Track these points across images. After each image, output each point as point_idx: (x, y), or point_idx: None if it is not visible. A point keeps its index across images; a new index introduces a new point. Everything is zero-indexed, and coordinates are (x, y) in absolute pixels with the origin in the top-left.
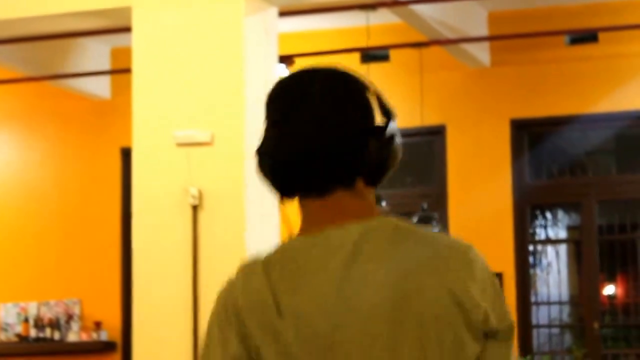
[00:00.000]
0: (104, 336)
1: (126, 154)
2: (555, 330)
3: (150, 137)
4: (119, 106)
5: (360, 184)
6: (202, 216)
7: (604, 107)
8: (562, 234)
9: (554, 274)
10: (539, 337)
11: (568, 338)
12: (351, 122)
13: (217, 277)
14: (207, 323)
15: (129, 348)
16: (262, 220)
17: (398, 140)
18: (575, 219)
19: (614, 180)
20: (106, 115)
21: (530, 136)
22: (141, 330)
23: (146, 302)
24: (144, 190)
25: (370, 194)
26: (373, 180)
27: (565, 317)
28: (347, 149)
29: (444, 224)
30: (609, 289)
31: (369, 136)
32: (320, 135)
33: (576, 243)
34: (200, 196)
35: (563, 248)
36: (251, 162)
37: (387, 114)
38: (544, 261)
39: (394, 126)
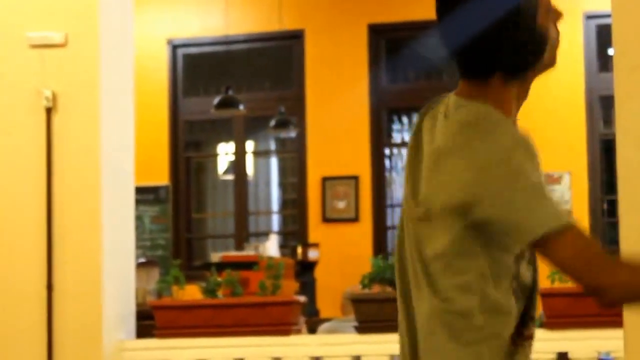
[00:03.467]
0: None
1: None
2: None
3: (2, 39)
4: None
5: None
6: (56, 119)
7: None
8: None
9: None
10: (393, 239)
11: None
12: None
13: (71, 179)
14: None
15: None
16: (117, 122)
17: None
18: None
19: None
20: None
21: (387, 41)
22: None
23: None
24: None
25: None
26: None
27: None
28: None
29: (301, 127)
30: None
31: None
32: None
33: None
34: (54, 98)
35: None
36: (106, 63)
37: None
38: (400, 164)
39: None
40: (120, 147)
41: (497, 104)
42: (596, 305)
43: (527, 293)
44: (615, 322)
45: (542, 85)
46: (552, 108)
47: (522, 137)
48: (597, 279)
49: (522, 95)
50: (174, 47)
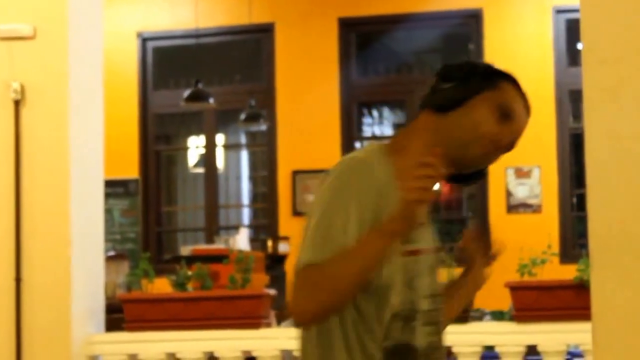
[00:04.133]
0: None
1: None
2: None
3: None
4: None
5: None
6: (25, 111)
7: (432, 6)
8: (388, 131)
9: None
10: None
11: None
12: None
13: (40, 172)
14: None
15: None
16: (87, 115)
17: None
18: (400, 116)
19: None
20: None
21: (358, 35)
22: None
23: None
24: None
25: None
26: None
27: None
28: None
29: (272, 121)
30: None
31: None
32: None
33: None
34: (23, 91)
35: None
36: (75, 56)
37: None
38: None
39: None
40: (90, 140)
41: None
42: (565, 299)
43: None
44: (584, 315)
45: None
46: None
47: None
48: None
49: None
50: (144, 40)
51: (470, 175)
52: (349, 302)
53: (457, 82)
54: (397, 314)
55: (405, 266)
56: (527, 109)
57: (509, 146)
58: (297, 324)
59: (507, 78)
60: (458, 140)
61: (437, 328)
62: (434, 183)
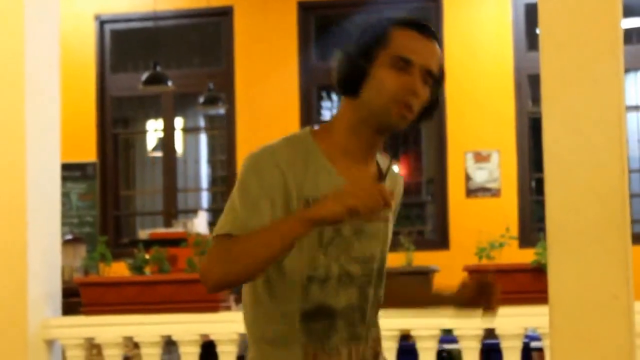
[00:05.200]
0: None
1: None
2: None
3: None
4: None
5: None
6: None
7: None
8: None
9: None
10: None
11: None
12: None
13: None
14: None
15: None
16: (43, 98)
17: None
18: None
19: None
20: None
21: (317, 18)
22: None
23: None
24: None
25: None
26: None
27: None
28: None
29: (231, 104)
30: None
31: None
32: None
33: None
34: None
35: None
36: (31, 39)
37: None
38: None
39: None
40: (46, 123)
41: None
42: (523, 282)
43: None
44: (542, 298)
45: (471, 64)
46: (481, 87)
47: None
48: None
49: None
50: (102, 23)
51: (423, 114)
52: (258, 275)
53: (351, 61)
54: (313, 277)
55: (321, 233)
56: (427, 34)
57: (429, 77)
58: (205, 286)
59: (395, 23)
60: (375, 111)
61: (363, 291)
62: (377, 210)
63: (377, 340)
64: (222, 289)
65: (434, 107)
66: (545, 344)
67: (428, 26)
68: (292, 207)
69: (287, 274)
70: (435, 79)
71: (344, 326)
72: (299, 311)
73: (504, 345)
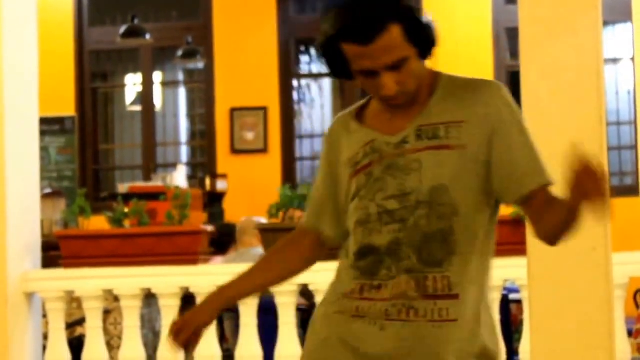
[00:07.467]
0: None
1: None
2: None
3: None
4: None
5: None
6: None
7: None
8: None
9: (317, 108)
10: (302, 170)
11: None
12: None
13: None
14: None
15: None
16: (20, 52)
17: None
18: None
19: None
20: None
21: None
22: None
23: None
24: None
25: None
26: None
27: None
28: None
29: (209, 58)
30: None
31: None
32: None
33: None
34: None
35: (327, 83)
36: None
37: None
38: (308, 96)
39: None
40: (24, 77)
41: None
42: (502, 234)
43: None
44: (520, 250)
45: (448, 18)
46: (459, 41)
47: None
48: None
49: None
50: None
51: (423, 54)
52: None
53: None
54: (357, 221)
55: (357, 183)
56: (368, 42)
57: (396, 64)
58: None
59: (339, 39)
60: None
61: (404, 225)
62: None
63: (445, 277)
64: None
65: (430, 45)
66: (523, 295)
67: (366, 30)
68: None
69: (348, 224)
70: (405, 49)
71: (392, 262)
72: (353, 253)
73: None
